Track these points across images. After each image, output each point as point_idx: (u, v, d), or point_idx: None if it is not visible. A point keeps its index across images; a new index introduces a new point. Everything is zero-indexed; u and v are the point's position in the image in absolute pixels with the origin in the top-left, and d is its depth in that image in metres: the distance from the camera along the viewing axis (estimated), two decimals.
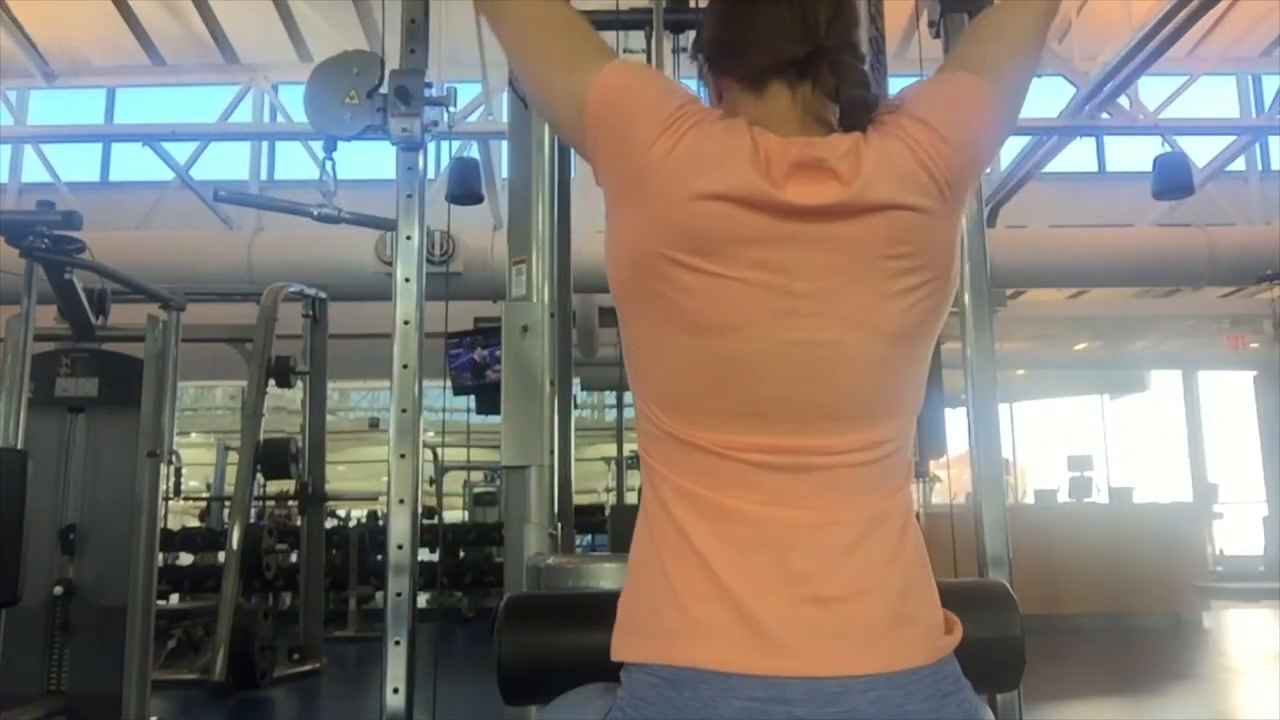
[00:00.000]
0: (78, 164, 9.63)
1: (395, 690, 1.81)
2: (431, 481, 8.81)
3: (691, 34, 2.81)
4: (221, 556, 6.45)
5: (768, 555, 0.92)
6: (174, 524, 8.36)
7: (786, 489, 0.94)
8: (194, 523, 9.58)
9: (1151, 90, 7.44)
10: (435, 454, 9.02)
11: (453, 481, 10.23)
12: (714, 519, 0.94)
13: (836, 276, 0.94)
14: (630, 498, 9.31)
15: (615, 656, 0.95)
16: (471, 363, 6.88)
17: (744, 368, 0.94)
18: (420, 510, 1.95)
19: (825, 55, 0.99)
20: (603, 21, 2.85)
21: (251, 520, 6.04)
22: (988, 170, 8.95)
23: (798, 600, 0.90)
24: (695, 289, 0.93)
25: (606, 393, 11.36)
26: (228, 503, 7.77)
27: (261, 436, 5.83)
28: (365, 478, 13.92)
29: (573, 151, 2.69)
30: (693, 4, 2.77)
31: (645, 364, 1.00)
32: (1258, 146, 8.98)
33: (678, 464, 0.97)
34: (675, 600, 0.92)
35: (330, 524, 8.01)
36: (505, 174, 2.93)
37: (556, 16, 1.07)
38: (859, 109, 0.98)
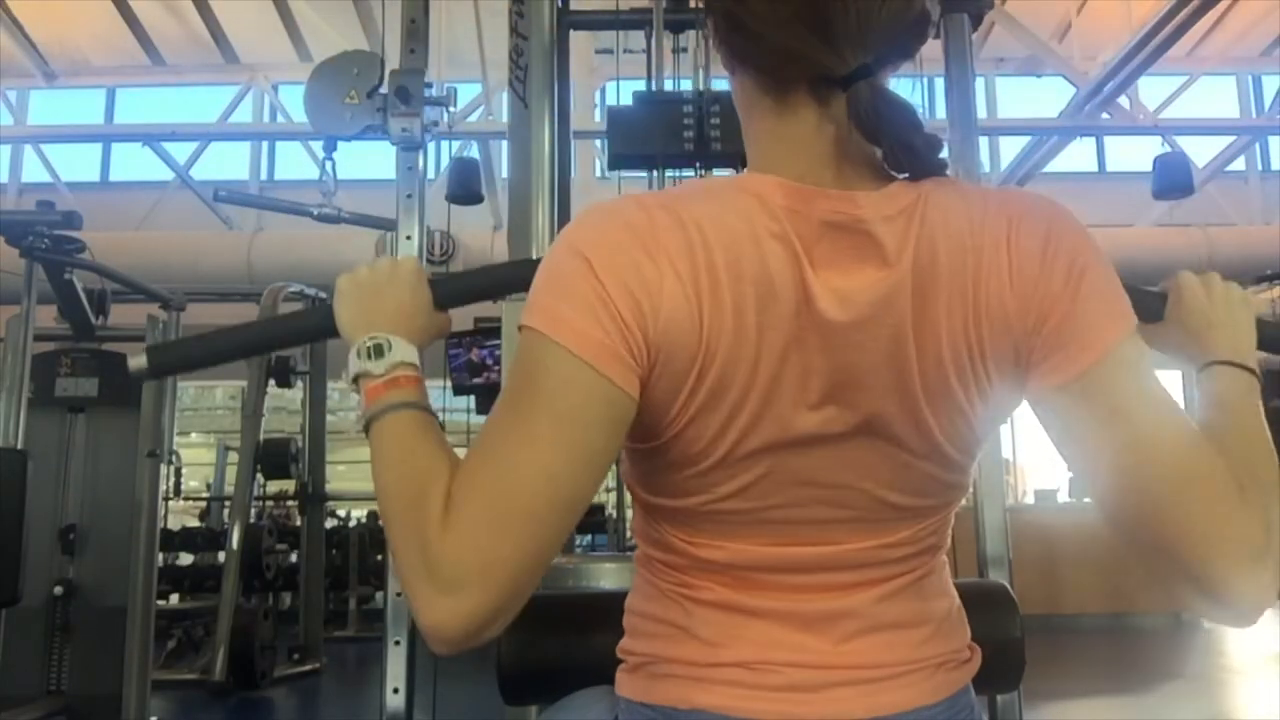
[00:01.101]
0: (78, 164, 9.63)
1: (395, 690, 1.81)
2: None
3: (693, 34, 2.81)
4: (221, 556, 6.44)
5: (778, 599, 0.85)
6: (174, 524, 8.35)
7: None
8: (194, 523, 9.57)
9: (1151, 90, 7.45)
10: None
11: None
12: (718, 558, 0.86)
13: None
14: (629, 496, 9.28)
15: (620, 693, 0.90)
16: (468, 363, 6.88)
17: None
18: None
19: (868, 76, 0.76)
20: (603, 21, 2.85)
21: (251, 520, 6.04)
22: (987, 170, 8.97)
23: (807, 646, 0.83)
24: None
25: None
26: (228, 503, 7.76)
27: (261, 436, 5.83)
28: (365, 478, 13.85)
29: (573, 152, 2.69)
30: (693, 4, 2.76)
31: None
32: (1258, 146, 8.98)
33: (677, 506, 0.87)
34: (681, 646, 0.86)
35: (330, 524, 8.00)
36: (505, 174, 2.93)
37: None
38: (907, 157, 0.78)
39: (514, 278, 1.14)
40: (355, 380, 0.89)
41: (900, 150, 0.77)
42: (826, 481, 0.81)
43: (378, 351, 0.89)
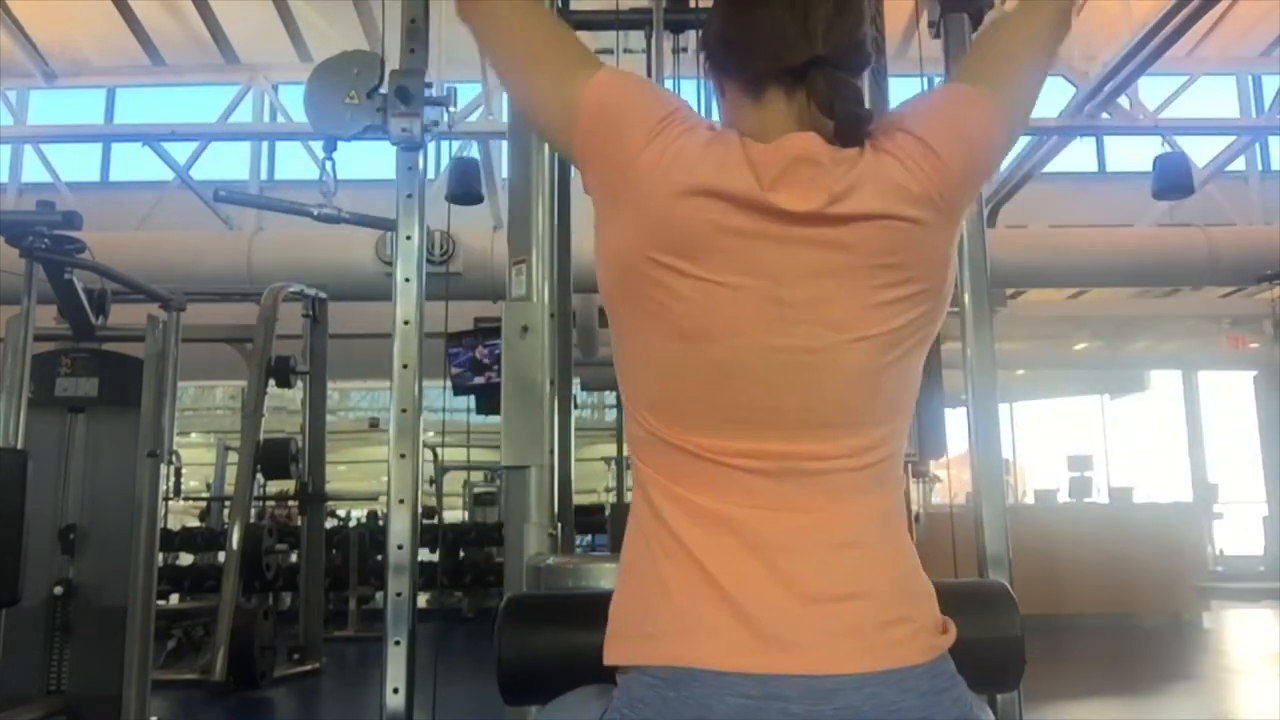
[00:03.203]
0: (78, 164, 9.63)
1: (395, 690, 1.81)
2: (431, 481, 8.81)
3: (692, 34, 2.81)
4: (221, 556, 6.45)
5: (758, 557, 0.92)
6: (174, 524, 8.36)
7: (775, 493, 0.94)
8: (194, 523, 9.58)
9: (1151, 90, 7.45)
10: (435, 454, 9.02)
11: (453, 481, 10.22)
12: (704, 522, 0.94)
13: (825, 283, 0.94)
14: (630, 497, 9.29)
15: (608, 660, 0.95)
16: (471, 360, 6.88)
17: (732, 374, 0.94)
18: (420, 510, 1.95)
19: (821, 66, 0.97)
20: (602, 21, 2.85)
21: (251, 520, 6.04)
22: None
23: (790, 599, 0.90)
24: (683, 294, 0.93)
25: (606, 393, 11.35)
26: (228, 503, 7.77)
27: (261, 436, 5.83)
28: (365, 478, 13.91)
29: None
30: (693, 4, 2.76)
31: (634, 369, 1.01)
32: (1258, 146, 8.97)
33: (667, 467, 0.97)
34: (668, 601, 0.92)
35: (330, 524, 8.01)
36: (505, 174, 2.93)
37: (543, 27, 1.07)
38: (853, 125, 0.96)
39: None
40: None
41: (849, 120, 0.96)
42: (782, 360, 0.95)
43: None
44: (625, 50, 3.17)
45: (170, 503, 7.58)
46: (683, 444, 0.95)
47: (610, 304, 1.01)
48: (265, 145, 9.72)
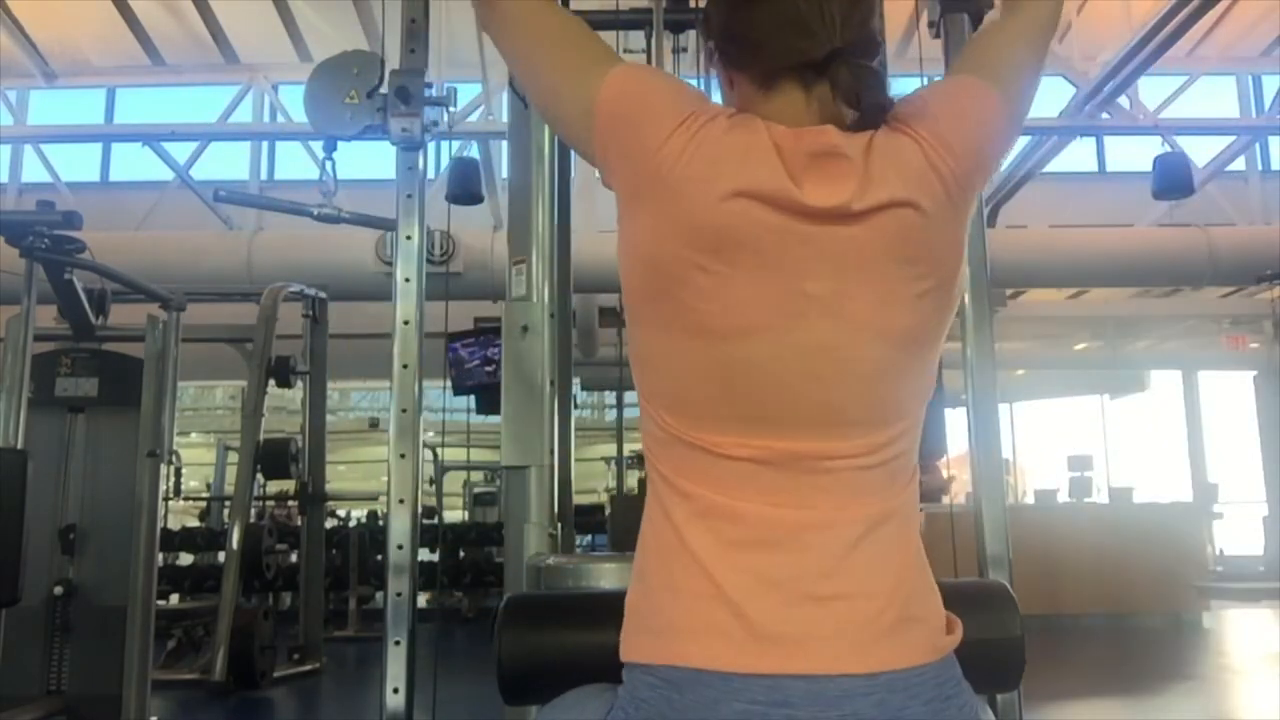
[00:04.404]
0: (78, 164, 9.63)
1: (395, 690, 1.80)
2: (431, 481, 8.82)
3: (692, 34, 2.81)
4: (221, 556, 6.45)
5: (767, 554, 0.92)
6: (174, 524, 8.36)
7: (788, 490, 0.93)
8: (194, 523, 9.58)
9: (1151, 90, 7.45)
10: (435, 454, 9.03)
11: (453, 481, 10.23)
12: (714, 519, 0.94)
13: (846, 278, 0.93)
14: (629, 491, 9.30)
15: (624, 657, 0.94)
16: (484, 358, 6.89)
17: (752, 372, 0.93)
18: (420, 510, 1.95)
19: (844, 58, 0.97)
20: (603, 21, 2.85)
21: (251, 520, 6.04)
22: None
23: (796, 598, 0.90)
24: (710, 292, 0.93)
25: (606, 393, 11.36)
26: (228, 503, 7.77)
27: (261, 436, 5.83)
28: (365, 478, 13.92)
29: (573, 152, 2.69)
30: (693, 4, 2.76)
31: (653, 368, 1.00)
32: (1258, 146, 8.97)
33: (681, 466, 0.97)
34: (677, 601, 0.92)
35: (330, 524, 8.01)
36: (505, 174, 2.93)
37: (559, 23, 1.07)
38: (877, 113, 0.96)
39: None
40: None
41: (875, 109, 0.96)
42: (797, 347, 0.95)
43: None
44: (625, 50, 3.17)
45: (170, 503, 7.58)
46: (699, 441, 0.95)
47: (632, 300, 1.00)
48: (265, 145, 9.72)
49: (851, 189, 0.93)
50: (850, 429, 0.95)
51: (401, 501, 1.90)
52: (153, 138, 7.56)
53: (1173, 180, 6.49)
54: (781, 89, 0.99)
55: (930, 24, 2.25)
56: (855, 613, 0.90)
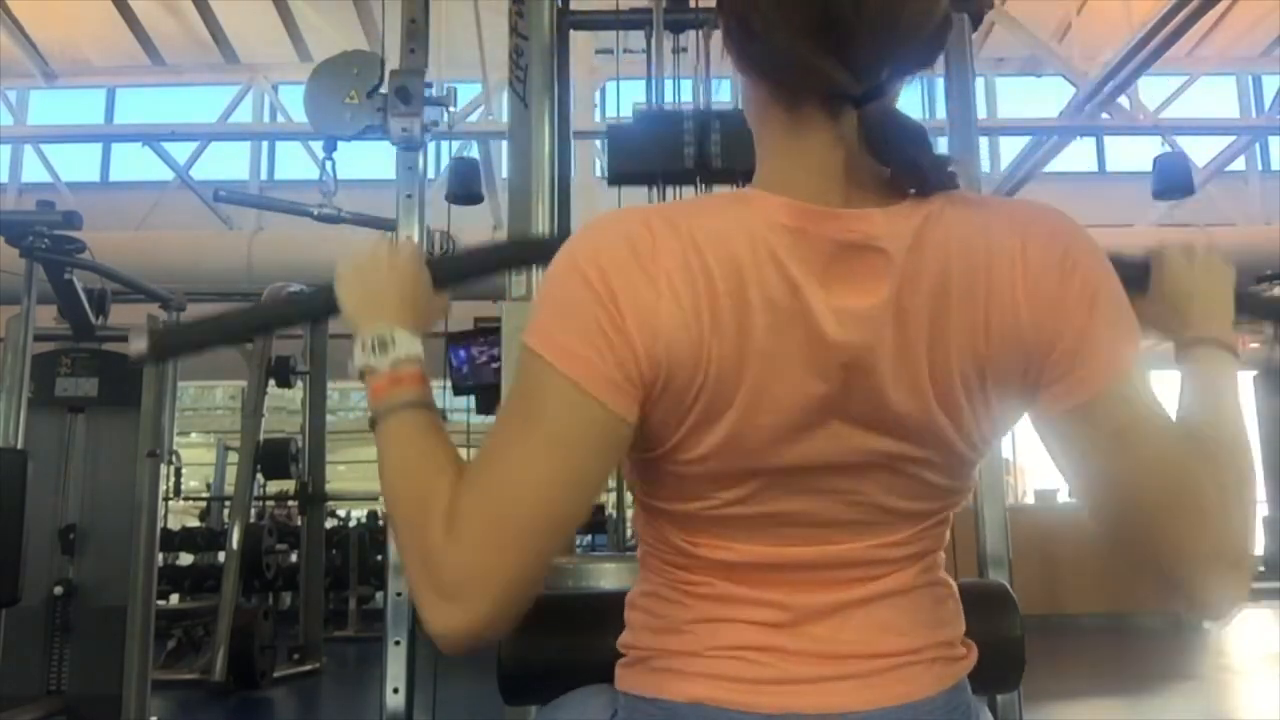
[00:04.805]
0: (78, 164, 9.63)
1: (395, 690, 1.81)
2: None
3: (692, 34, 2.81)
4: (221, 556, 6.45)
5: (772, 588, 0.85)
6: (174, 524, 8.36)
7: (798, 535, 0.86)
8: (194, 523, 9.58)
9: (1151, 90, 7.46)
10: None
11: None
12: (720, 552, 0.86)
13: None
14: (629, 496, 9.29)
15: (620, 687, 0.90)
16: (471, 361, 6.88)
17: None
18: None
19: (882, 94, 0.76)
20: (603, 21, 2.85)
21: (251, 520, 6.04)
22: (987, 170, 8.97)
23: (803, 634, 0.84)
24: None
25: None
26: (228, 503, 7.77)
27: (261, 436, 5.83)
28: (365, 478, 13.90)
29: (573, 151, 2.69)
30: (693, 4, 2.76)
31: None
32: (1258, 146, 8.98)
33: (677, 510, 0.88)
34: (679, 637, 0.86)
35: (330, 524, 8.00)
36: (505, 174, 2.93)
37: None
38: (916, 175, 0.77)
39: (510, 257, 1.15)
40: (361, 374, 0.91)
41: (908, 171, 0.77)
42: (828, 489, 0.82)
43: (381, 347, 0.91)
44: (625, 50, 3.17)
45: (170, 503, 7.57)
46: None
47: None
48: (265, 145, 9.73)
49: (884, 294, 0.76)
50: None
51: None
52: (153, 138, 7.56)
53: (1173, 180, 6.49)
54: (804, 113, 0.79)
55: None
56: (864, 647, 0.85)
